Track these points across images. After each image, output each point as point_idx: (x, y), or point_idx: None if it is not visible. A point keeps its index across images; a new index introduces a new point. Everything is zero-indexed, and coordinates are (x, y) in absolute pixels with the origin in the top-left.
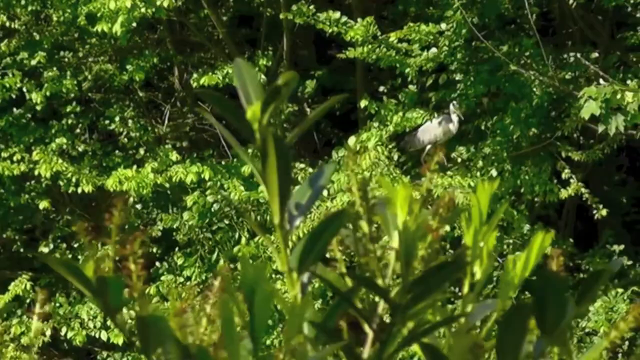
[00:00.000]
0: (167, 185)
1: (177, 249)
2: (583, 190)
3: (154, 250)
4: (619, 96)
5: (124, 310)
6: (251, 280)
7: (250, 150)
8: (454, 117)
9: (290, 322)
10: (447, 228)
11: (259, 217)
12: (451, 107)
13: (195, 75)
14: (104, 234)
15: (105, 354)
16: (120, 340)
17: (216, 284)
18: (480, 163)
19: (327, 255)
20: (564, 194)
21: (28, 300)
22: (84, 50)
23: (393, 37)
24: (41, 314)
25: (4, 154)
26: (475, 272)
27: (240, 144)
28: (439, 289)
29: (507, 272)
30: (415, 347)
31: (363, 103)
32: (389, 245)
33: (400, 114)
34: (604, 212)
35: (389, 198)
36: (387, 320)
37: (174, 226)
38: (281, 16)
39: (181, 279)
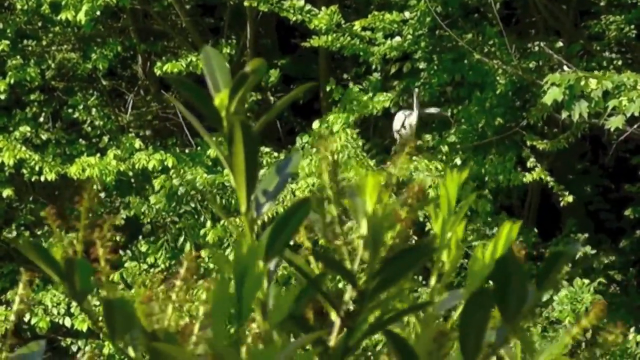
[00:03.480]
0: (130, 173)
1: (140, 237)
2: (548, 178)
3: (118, 238)
4: (582, 83)
5: (90, 297)
6: (244, 261)
7: (214, 139)
8: (414, 111)
9: (278, 307)
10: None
11: (224, 201)
12: (414, 99)
13: (158, 64)
14: (68, 221)
15: (69, 340)
16: (84, 327)
17: (182, 270)
18: (445, 151)
19: (295, 243)
20: (528, 177)
21: None
22: (47, 39)
23: (357, 25)
24: (23, 295)
25: None
26: (443, 262)
27: (207, 131)
28: (406, 274)
29: (474, 262)
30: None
31: (328, 87)
32: (358, 232)
33: (365, 97)
34: (569, 198)
35: (358, 184)
36: (354, 307)
37: (142, 209)
38: (245, 3)
39: (145, 266)
